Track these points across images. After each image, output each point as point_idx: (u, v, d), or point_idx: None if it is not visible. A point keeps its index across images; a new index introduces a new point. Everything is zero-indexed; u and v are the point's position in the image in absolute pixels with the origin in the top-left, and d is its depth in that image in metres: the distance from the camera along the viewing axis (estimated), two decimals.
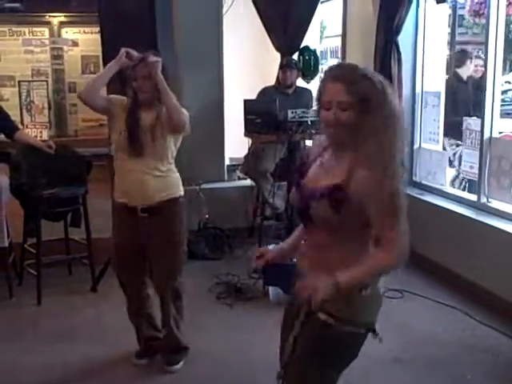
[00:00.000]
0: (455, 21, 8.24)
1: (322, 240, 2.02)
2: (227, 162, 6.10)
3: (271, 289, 4.38)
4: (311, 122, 4.86)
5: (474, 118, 4.79)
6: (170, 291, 3.40)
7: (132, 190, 3.23)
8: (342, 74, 1.96)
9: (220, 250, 5.38)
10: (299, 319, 2.12)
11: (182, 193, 3.38)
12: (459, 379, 3.37)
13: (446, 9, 5.60)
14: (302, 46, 6.12)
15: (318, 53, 6.74)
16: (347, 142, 1.96)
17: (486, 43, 4.44)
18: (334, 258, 1.99)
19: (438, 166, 5.13)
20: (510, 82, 11.91)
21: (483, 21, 4.71)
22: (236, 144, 6.02)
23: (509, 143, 4.50)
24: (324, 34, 19.56)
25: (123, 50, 3.17)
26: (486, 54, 4.46)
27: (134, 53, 3.18)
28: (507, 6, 6.46)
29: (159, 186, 3.25)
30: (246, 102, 5.04)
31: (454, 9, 7.26)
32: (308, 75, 6.11)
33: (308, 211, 2.01)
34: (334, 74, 1.97)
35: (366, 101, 1.90)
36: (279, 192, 5.36)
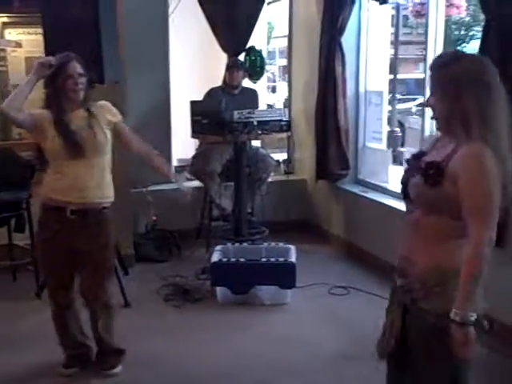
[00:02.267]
0: (399, 21, 8.39)
1: (419, 220, 2.04)
2: (175, 163, 6.08)
3: (219, 289, 4.38)
4: (257, 122, 4.89)
5: (416, 116, 4.89)
6: (99, 299, 3.36)
7: (70, 191, 3.16)
8: (434, 61, 2.06)
9: (168, 251, 5.36)
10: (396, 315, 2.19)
11: (113, 199, 3.33)
12: None
13: (388, 9, 5.70)
14: (248, 46, 6.15)
15: (266, 53, 6.78)
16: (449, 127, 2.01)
17: (425, 43, 4.55)
18: (430, 237, 2.01)
19: (381, 164, 5.23)
20: None
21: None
22: (184, 145, 6.01)
23: None
24: (272, 34, 19.65)
25: (36, 62, 3.10)
26: (425, 54, 4.55)
27: (49, 59, 3.11)
28: (447, 6, 6.64)
29: (96, 186, 3.21)
30: (192, 103, 5.04)
31: (398, 9, 7.37)
32: (254, 76, 6.15)
33: (406, 186, 2.09)
34: (431, 62, 2.07)
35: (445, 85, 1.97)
36: (226, 193, 5.38)
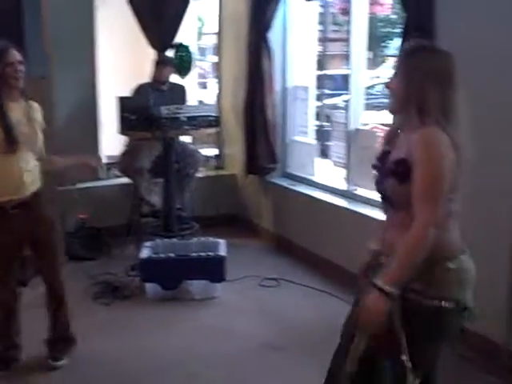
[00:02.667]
0: (326, 18, 8.55)
1: (402, 221, 2.05)
2: (104, 160, 6.00)
3: (148, 285, 4.37)
4: (186, 118, 4.90)
5: (341, 110, 5.00)
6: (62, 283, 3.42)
7: (6, 187, 3.13)
8: (406, 47, 2.18)
9: (97, 249, 5.29)
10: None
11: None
12: (328, 360, 3.50)
13: (316, 6, 5.80)
14: (176, 42, 6.13)
15: (197, 50, 6.76)
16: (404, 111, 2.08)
17: (349, 40, 4.65)
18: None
19: (308, 157, 5.33)
20: (379, 77, 12.57)
21: None
22: (113, 142, 5.94)
23: (371, 134, 4.74)
24: (203, 30, 19.57)
25: None
26: (349, 50, 4.65)
27: None
28: (371, 4, 6.83)
29: (32, 179, 3.20)
30: (119, 99, 4.98)
31: (325, 7, 7.54)
32: (183, 71, 6.12)
33: (384, 191, 2.13)
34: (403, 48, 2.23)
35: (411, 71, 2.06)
36: (156, 189, 5.35)
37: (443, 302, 2.05)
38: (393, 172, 2.05)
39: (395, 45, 13.24)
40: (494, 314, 3.27)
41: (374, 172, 2.22)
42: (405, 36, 3.59)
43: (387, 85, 2.17)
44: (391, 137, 2.24)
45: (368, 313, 2.01)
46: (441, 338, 2.14)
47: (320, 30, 13.37)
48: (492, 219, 3.26)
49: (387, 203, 2.16)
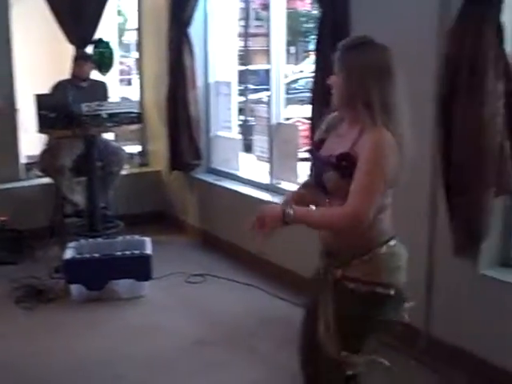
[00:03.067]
0: (248, 14, 8.59)
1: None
2: (24, 160, 5.84)
3: (73, 287, 4.29)
4: (107, 114, 4.83)
5: (263, 105, 5.05)
6: None
7: None
8: (345, 42, 2.13)
9: (19, 252, 5.13)
10: (328, 292, 2.18)
11: None
12: (256, 352, 3.57)
13: (236, 2, 5.83)
14: (96, 38, 6.03)
15: (120, 46, 6.65)
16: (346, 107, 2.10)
17: (268, 35, 4.69)
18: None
19: (232, 152, 5.35)
20: (302, 71, 12.74)
21: None
22: (35, 141, 5.78)
23: (292, 128, 4.81)
24: (126, 26, 19.20)
25: None
26: (269, 45, 4.69)
27: None
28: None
29: None
30: (37, 96, 4.86)
31: (247, 2, 7.56)
32: (103, 68, 6.03)
33: (322, 181, 2.13)
34: (341, 43, 2.13)
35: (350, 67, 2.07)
36: (78, 188, 5.25)
37: (378, 288, 2.13)
38: (335, 166, 2.07)
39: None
40: (414, 300, 3.38)
41: (310, 158, 2.28)
42: (321, 32, 3.66)
43: (328, 82, 2.16)
44: (329, 126, 2.26)
45: (266, 210, 2.06)
46: (379, 322, 2.21)
47: (243, 26, 13.50)
48: (410, 207, 3.37)
49: (324, 191, 2.18)
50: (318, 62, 3.75)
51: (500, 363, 3.06)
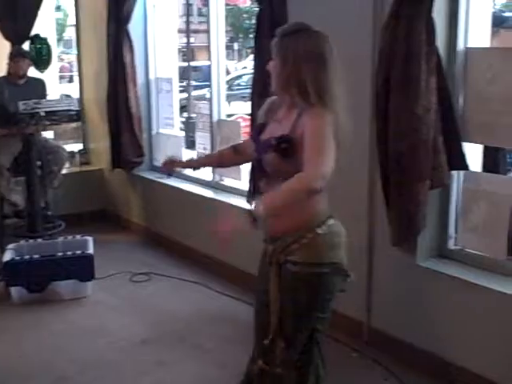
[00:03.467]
0: (190, 10, 8.56)
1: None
2: None
3: (14, 289, 4.20)
4: (45, 112, 4.75)
5: (204, 101, 5.04)
6: None
7: None
8: (282, 29, 2.20)
9: None
10: (273, 275, 2.26)
11: None
12: (201, 349, 3.57)
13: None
14: (33, 34, 5.90)
15: (60, 42, 6.52)
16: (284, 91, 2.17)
17: (208, 32, 4.68)
18: (290, 207, 2.10)
19: (175, 149, 5.31)
20: (246, 67, 12.77)
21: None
22: None
23: (233, 124, 4.83)
24: (67, 22, 18.88)
25: None
26: (209, 42, 4.68)
27: None
28: None
29: None
30: None
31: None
32: (41, 65, 5.90)
33: (261, 162, 2.21)
34: (279, 29, 2.21)
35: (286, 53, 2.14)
36: (17, 188, 5.15)
37: (319, 268, 2.20)
38: (274, 147, 2.13)
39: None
40: (355, 292, 3.44)
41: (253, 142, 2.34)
42: (259, 28, 3.67)
43: (267, 68, 2.24)
44: (268, 111, 2.33)
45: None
46: (325, 300, 2.28)
47: (185, 22, 13.43)
48: (350, 199, 3.43)
49: (264, 174, 2.25)
50: (258, 58, 3.76)
51: (437, 352, 3.14)
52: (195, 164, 2.69)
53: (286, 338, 2.28)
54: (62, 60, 17.36)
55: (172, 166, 2.65)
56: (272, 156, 2.16)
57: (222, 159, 2.66)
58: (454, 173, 3.10)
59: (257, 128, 2.38)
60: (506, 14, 3.43)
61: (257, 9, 3.82)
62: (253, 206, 2.04)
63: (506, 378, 2.85)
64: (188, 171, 5.17)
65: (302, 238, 2.19)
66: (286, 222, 2.19)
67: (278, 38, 2.19)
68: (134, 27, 5.27)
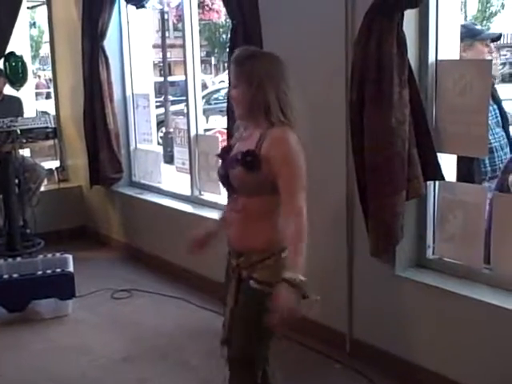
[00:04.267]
0: (164, 25, 8.56)
1: (245, 205, 2.26)
2: None
3: None
4: (21, 130, 4.74)
5: (181, 117, 5.05)
6: None
7: None
8: (237, 56, 2.29)
9: None
10: (233, 285, 2.38)
11: None
12: (185, 365, 3.56)
13: (150, 14, 5.80)
14: (7, 51, 5.88)
15: (33, 59, 6.49)
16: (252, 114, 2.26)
17: (183, 46, 4.70)
18: (257, 216, 2.23)
19: (153, 164, 5.33)
20: (224, 81, 12.81)
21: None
22: None
23: (212, 139, 4.85)
24: (43, 39, 18.77)
25: None
26: (184, 56, 4.70)
27: None
28: (207, 11, 6.95)
29: None
30: None
31: (162, 14, 7.52)
32: (17, 82, 5.87)
33: (228, 178, 2.29)
34: (233, 57, 2.30)
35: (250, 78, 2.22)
36: None
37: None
38: (240, 162, 2.22)
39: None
40: (336, 304, 3.48)
41: (219, 161, 2.44)
42: (233, 43, 3.71)
43: (229, 94, 2.32)
44: (237, 136, 2.42)
45: (284, 306, 2.07)
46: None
47: (161, 37, 13.43)
48: (329, 211, 3.46)
49: (231, 189, 2.34)
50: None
51: (417, 361, 3.17)
52: (216, 231, 2.60)
53: (235, 343, 2.39)
54: (38, 77, 17.30)
55: (202, 245, 2.58)
56: (238, 170, 2.24)
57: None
58: (430, 183, 3.14)
59: (225, 148, 2.50)
60: (479, 27, 3.48)
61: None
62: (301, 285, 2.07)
63: (482, 383, 2.89)
64: (165, 185, 5.23)
65: (266, 259, 2.27)
66: (253, 242, 2.28)
67: (235, 66, 2.28)
68: (110, 43, 5.27)
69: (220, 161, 2.45)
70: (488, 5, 24.17)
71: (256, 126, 2.28)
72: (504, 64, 23.16)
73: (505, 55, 24.39)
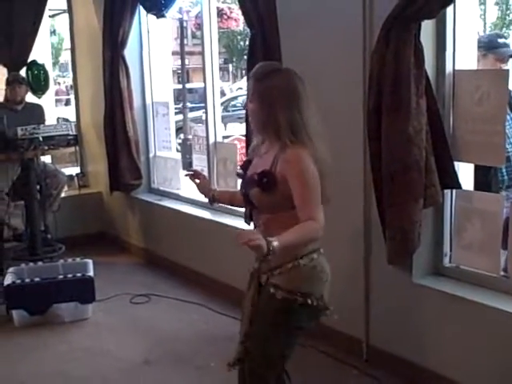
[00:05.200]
0: (183, 33, 8.65)
1: (266, 221, 2.33)
2: None
3: (15, 312, 4.23)
4: (43, 138, 4.82)
5: (200, 124, 5.11)
6: None
7: None
8: (255, 72, 2.34)
9: None
10: (252, 289, 2.43)
11: None
12: (204, 369, 3.60)
13: (170, 22, 5.87)
14: (30, 60, 5.99)
15: (56, 66, 6.59)
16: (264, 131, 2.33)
17: (202, 53, 4.76)
18: (279, 229, 2.20)
19: (173, 171, 5.39)
20: (242, 88, 12.86)
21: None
22: None
23: (230, 146, 4.90)
24: (63, 46, 19.03)
25: None
26: (203, 64, 4.77)
27: None
28: (226, 19, 7.02)
29: None
30: None
31: (181, 23, 7.63)
32: (39, 90, 5.99)
33: (248, 197, 2.35)
34: (252, 72, 2.36)
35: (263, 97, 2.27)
36: (17, 212, 5.20)
37: (295, 296, 2.30)
38: (257, 183, 2.27)
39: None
40: (353, 311, 3.50)
41: (240, 179, 2.50)
42: (252, 51, 3.76)
43: (245, 108, 2.37)
44: (254, 148, 2.47)
45: (252, 236, 2.10)
46: (290, 328, 2.38)
47: (180, 44, 13.51)
48: (347, 219, 3.49)
49: (253, 206, 2.39)
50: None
51: (434, 368, 3.18)
52: (214, 193, 2.72)
53: (251, 350, 2.42)
54: (58, 84, 17.51)
55: (197, 176, 2.72)
56: (255, 190, 2.30)
57: (233, 199, 2.71)
58: (447, 191, 3.17)
59: (243, 165, 2.54)
60: (502, 41, 3.46)
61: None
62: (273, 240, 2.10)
63: None
64: (184, 191, 5.28)
65: (285, 265, 2.31)
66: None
67: (252, 81, 2.34)
68: (130, 52, 5.35)
69: (240, 180, 2.53)
70: (508, 12, 24.02)
71: (270, 142, 2.34)
72: None
73: None
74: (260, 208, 2.35)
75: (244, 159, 2.61)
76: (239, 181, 2.66)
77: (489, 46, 3.34)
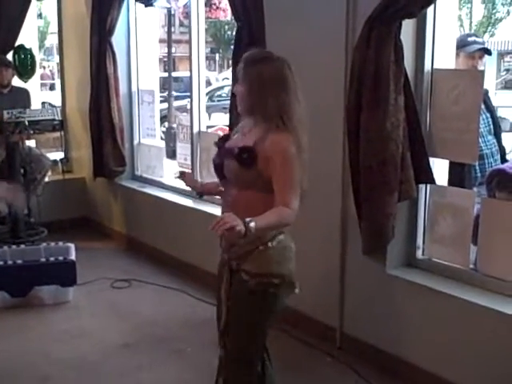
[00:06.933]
0: (170, 21, 8.67)
1: (235, 197, 2.36)
2: None
3: None
4: (29, 122, 4.86)
5: (185, 113, 5.16)
6: None
7: None
8: (248, 56, 2.39)
9: None
10: (225, 279, 2.47)
11: None
12: (181, 353, 3.69)
13: (157, 11, 5.90)
14: (16, 44, 5.99)
15: (42, 49, 6.58)
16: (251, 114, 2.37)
17: (189, 42, 4.80)
18: (247, 209, 2.24)
19: (156, 159, 5.45)
20: (228, 78, 12.92)
21: None
22: None
23: (214, 136, 4.95)
24: (49, 30, 18.87)
25: None
26: (190, 52, 4.81)
27: None
28: (214, 9, 7.05)
29: None
30: None
31: (169, 12, 7.64)
32: (25, 74, 6.00)
33: (222, 168, 2.38)
34: (245, 56, 2.40)
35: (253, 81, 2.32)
36: None
37: (267, 279, 2.37)
38: (236, 156, 2.31)
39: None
40: (328, 299, 3.60)
41: (217, 148, 2.53)
42: (238, 42, 3.83)
43: (233, 90, 2.42)
44: (238, 129, 2.51)
45: (229, 220, 2.11)
46: (268, 310, 2.45)
47: (167, 32, 13.48)
48: (324, 210, 3.58)
49: (223, 179, 2.44)
50: (236, 71, 3.90)
51: (404, 357, 3.29)
52: (202, 188, 2.83)
53: (232, 338, 2.48)
54: (43, 67, 17.40)
55: (185, 176, 2.82)
56: (232, 163, 2.33)
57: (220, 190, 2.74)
58: (422, 186, 3.27)
59: (222, 137, 2.60)
60: (472, 39, 3.57)
61: None
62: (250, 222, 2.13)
63: (468, 380, 3.02)
64: (167, 179, 5.34)
65: (255, 250, 2.36)
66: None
67: (243, 65, 2.38)
68: (117, 39, 5.38)
69: (216, 149, 2.55)
70: (494, 11, 24.24)
71: (255, 124, 2.37)
72: (507, 70, 23.25)
73: (508, 62, 24.48)
74: (231, 181, 2.38)
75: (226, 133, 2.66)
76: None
77: (459, 45, 3.44)
